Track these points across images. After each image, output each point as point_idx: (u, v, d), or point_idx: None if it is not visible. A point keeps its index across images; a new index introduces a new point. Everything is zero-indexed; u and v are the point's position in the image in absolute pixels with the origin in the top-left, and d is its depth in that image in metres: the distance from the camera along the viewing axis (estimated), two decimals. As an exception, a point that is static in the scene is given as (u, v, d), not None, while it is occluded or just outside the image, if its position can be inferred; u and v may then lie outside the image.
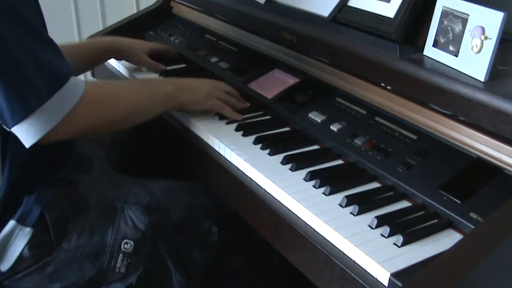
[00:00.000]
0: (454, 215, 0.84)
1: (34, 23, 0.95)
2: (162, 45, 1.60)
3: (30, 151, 0.95)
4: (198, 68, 1.49)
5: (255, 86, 1.30)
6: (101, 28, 2.20)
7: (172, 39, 1.67)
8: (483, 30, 0.90)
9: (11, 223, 1.01)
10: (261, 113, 1.25)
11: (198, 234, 1.14)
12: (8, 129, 0.94)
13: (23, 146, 0.94)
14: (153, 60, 1.50)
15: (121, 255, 1.05)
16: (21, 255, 1.01)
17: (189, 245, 1.12)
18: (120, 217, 1.07)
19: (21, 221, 1.01)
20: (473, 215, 0.82)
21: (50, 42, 0.97)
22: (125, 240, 1.06)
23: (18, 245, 1.01)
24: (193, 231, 1.14)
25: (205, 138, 1.16)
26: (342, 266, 0.81)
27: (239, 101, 1.25)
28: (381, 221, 0.85)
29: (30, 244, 1.01)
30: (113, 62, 1.60)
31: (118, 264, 1.05)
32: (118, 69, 1.59)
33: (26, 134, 0.92)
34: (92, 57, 1.44)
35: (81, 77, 1.57)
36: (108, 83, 1.12)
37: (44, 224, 1.02)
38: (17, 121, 0.91)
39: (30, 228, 1.01)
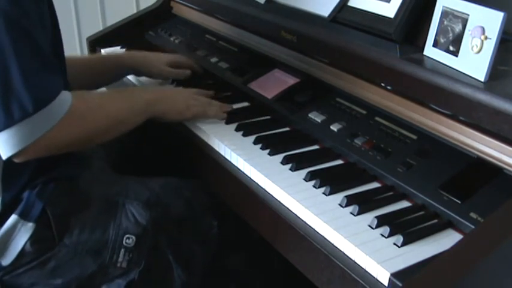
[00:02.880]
0: (454, 215, 0.84)
1: (38, 39, 0.94)
2: (185, 58, 1.49)
3: None
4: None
5: (255, 86, 1.30)
6: (101, 28, 2.20)
7: (172, 39, 1.67)
8: (483, 30, 0.90)
9: (13, 218, 1.01)
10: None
11: (198, 229, 1.14)
12: None
13: None
14: (175, 69, 1.42)
15: (123, 250, 1.05)
16: (23, 250, 1.01)
17: (189, 240, 1.12)
18: (121, 212, 1.08)
19: (24, 216, 1.01)
20: (473, 215, 0.82)
21: (47, 58, 0.97)
22: (127, 235, 1.06)
23: (20, 240, 1.01)
24: (194, 226, 1.14)
25: (205, 138, 1.16)
26: (342, 266, 0.81)
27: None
28: (381, 221, 0.85)
29: (32, 239, 1.01)
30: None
31: (120, 259, 1.05)
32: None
33: (5, 144, 0.92)
34: (106, 72, 1.40)
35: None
36: (92, 96, 1.10)
37: (46, 219, 1.02)
38: None
39: (33, 223, 1.01)
